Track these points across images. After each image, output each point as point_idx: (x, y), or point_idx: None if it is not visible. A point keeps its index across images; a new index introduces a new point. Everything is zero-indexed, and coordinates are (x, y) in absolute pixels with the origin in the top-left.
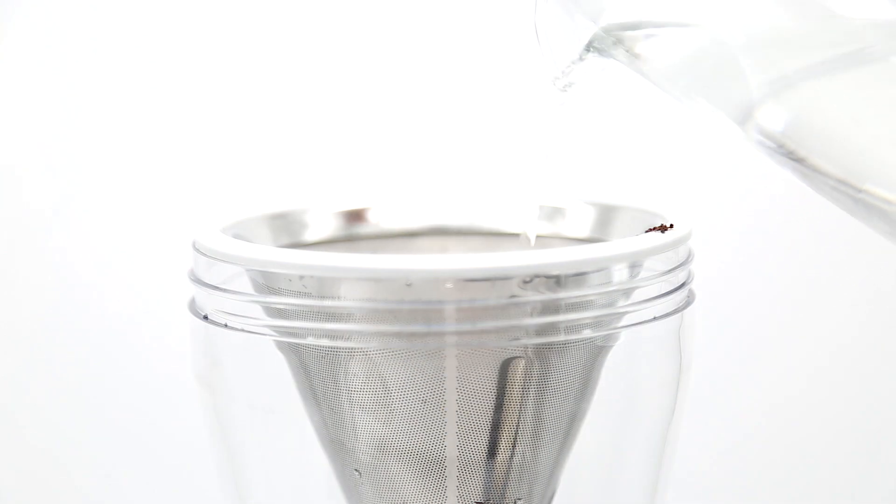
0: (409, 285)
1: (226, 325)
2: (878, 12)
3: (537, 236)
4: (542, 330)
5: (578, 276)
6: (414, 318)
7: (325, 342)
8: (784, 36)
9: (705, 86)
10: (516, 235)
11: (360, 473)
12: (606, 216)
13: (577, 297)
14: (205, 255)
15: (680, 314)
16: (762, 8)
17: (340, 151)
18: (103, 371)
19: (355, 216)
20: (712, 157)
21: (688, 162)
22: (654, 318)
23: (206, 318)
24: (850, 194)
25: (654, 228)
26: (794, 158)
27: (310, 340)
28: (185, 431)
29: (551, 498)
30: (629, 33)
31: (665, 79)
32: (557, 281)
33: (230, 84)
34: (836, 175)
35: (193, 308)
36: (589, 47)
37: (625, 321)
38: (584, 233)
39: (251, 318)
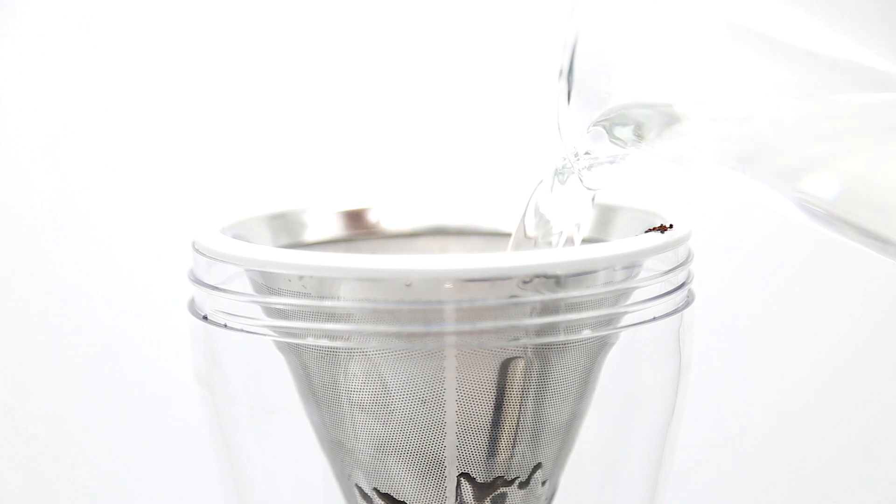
0: (408, 285)
1: (225, 326)
2: None
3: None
4: (542, 330)
5: (578, 276)
6: (413, 318)
7: (324, 342)
8: (826, 112)
9: (743, 161)
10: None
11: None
12: (606, 216)
13: (576, 297)
14: (204, 255)
15: (679, 314)
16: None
17: (340, 151)
18: (103, 371)
19: (355, 216)
20: None
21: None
22: (654, 319)
23: (205, 318)
24: None
25: (654, 228)
26: (846, 225)
27: (309, 341)
28: (185, 431)
29: (551, 497)
30: (653, 119)
31: (698, 159)
32: (557, 281)
33: (230, 84)
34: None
35: (193, 308)
36: (601, 136)
37: (624, 321)
38: (584, 233)
39: (251, 318)
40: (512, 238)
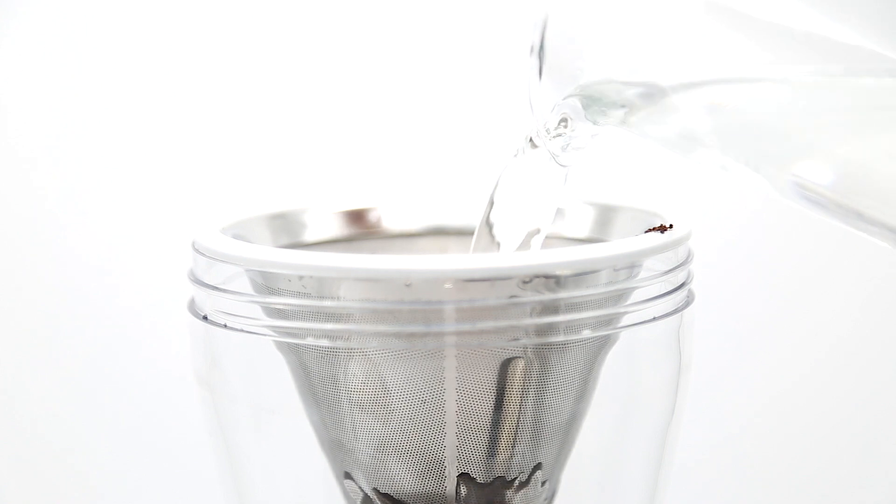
0: (408, 286)
1: (225, 326)
2: None
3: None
4: (542, 330)
5: (578, 277)
6: (413, 318)
7: (324, 342)
8: (828, 94)
9: (728, 143)
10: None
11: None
12: (606, 216)
13: (576, 297)
14: (204, 255)
15: (679, 314)
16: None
17: (340, 152)
18: (103, 371)
19: (355, 216)
20: None
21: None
22: (654, 319)
23: (205, 318)
24: None
25: (654, 229)
26: (842, 210)
27: (309, 341)
28: (185, 431)
29: (551, 497)
30: (630, 93)
31: (675, 138)
32: (557, 281)
33: (230, 84)
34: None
35: (193, 308)
36: (572, 112)
37: (624, 321)
38: (584, 233)
39: (251, 318)
40: (477, 231)
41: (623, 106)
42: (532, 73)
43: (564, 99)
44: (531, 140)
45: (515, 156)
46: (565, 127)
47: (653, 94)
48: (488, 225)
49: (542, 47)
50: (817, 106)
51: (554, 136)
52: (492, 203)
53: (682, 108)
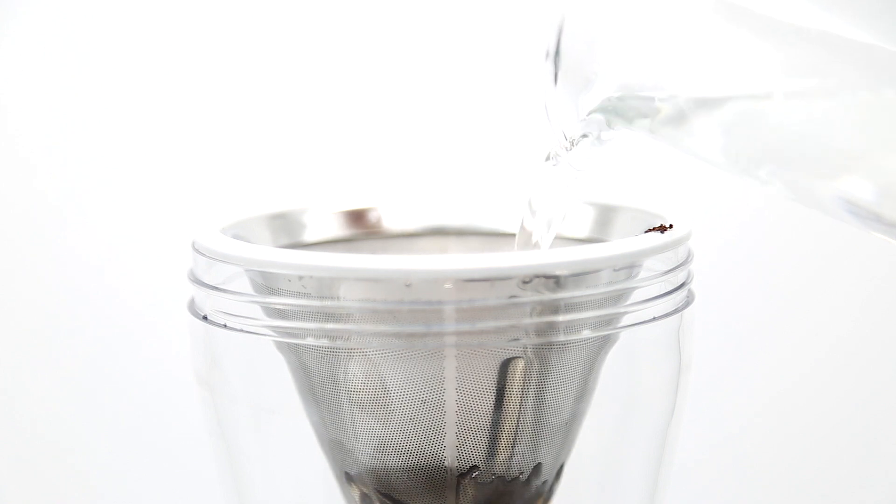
0: (408, 286)
1: (225, 326)
2: None
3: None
4: (542, 330)
5: (578, 277)
6: (413, 318)
7: (324, 342)
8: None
9: (766, 159)
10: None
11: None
12: (606, 216)
13: (576, 297)
14: (204, 255)
15: (679, 314)
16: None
17: (340, 152)
18: (103, 371)
19: (355, 216)
20: None
21: (688, 162)
22: (654, 319)
23: (205, 318)
24: None
25: (654, 229)
26: (885, 225)
27: (309, 341)
28: (185, 431)
29: (551, 497)
30: (654, 104)
31: (706, 151)
32: (557, 281)
33: (230, 84)
34: None
35: (193, 308)
36: (597, 121)
37: (624, 321)
38: (584, 233)
39: (250, 318)
40: (517, 236)
41: (647, 116)
42: (547, 78)
43: (593, 110)
44: (550, 157)
45: (536, 174)
46: (586, 138)
47: (682, 109)
48: (526, 233)
49: (557, 52)
50: (859, 119)
51: (573, 146)
52: (523, 222)
53: (712, 124)
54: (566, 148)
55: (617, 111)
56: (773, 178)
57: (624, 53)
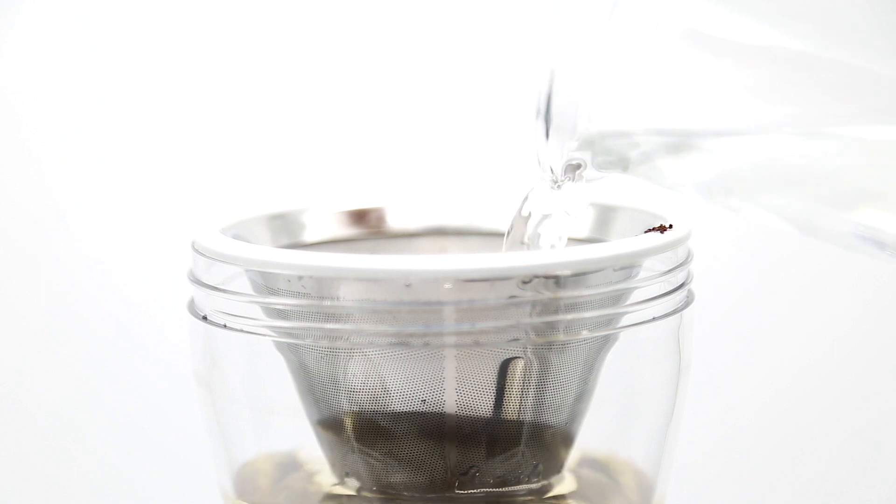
0: (408, 286)
1: (225, 326)
2: None
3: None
4: (542, 330)
5: (578, 277)
6: (413, 318)
7: (324, 343)
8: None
9: (761, 195)
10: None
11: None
12: (606, 216)
13: (576, 297)
14: (204, 255)
15: (679, 314)
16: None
17: (340, 152)
18: (103, 371)
19: (354, 216)
20: None
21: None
22: (654, 319)
23: (205, 318)
24: None
25: (654, 229)
26: None
27: (309, 341)
28: (185, 431)
29: (551, 497)
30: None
31: (702, 188)
32: (557, 281)
33: (230, 84)
34: None
35: (192, 308)
36: (582, 165)
37: (624, 321)
38: (584, 233)
39: (250, 318)
40: (505, 241)
41: (625, 157)
42: (539, 134)
43: (575, 150)
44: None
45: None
46: (573, 172)
47: (678, 147)
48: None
49: (548, 111)
50: (869, 152)
51: (560, 185)
52: (518, 230)
53: (715, 160)
54: (554, 188)
55: (602, 153)
56: (744, 204)
57: (614, 108)
